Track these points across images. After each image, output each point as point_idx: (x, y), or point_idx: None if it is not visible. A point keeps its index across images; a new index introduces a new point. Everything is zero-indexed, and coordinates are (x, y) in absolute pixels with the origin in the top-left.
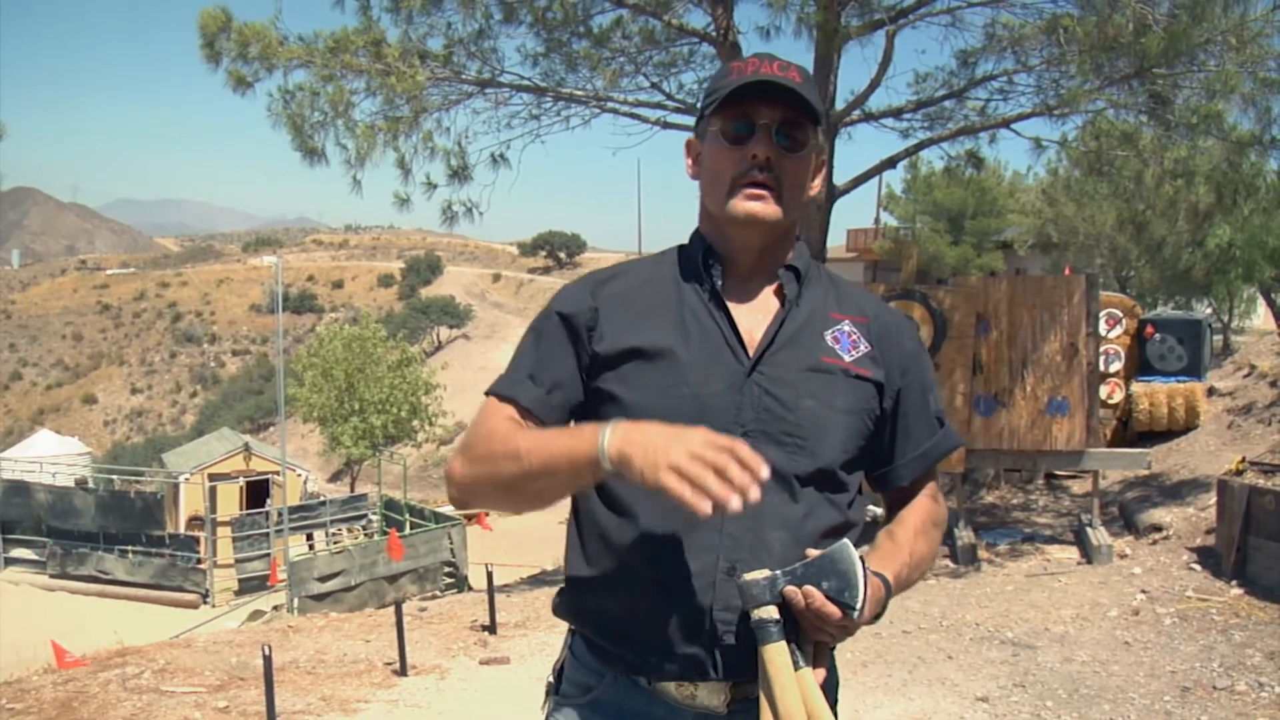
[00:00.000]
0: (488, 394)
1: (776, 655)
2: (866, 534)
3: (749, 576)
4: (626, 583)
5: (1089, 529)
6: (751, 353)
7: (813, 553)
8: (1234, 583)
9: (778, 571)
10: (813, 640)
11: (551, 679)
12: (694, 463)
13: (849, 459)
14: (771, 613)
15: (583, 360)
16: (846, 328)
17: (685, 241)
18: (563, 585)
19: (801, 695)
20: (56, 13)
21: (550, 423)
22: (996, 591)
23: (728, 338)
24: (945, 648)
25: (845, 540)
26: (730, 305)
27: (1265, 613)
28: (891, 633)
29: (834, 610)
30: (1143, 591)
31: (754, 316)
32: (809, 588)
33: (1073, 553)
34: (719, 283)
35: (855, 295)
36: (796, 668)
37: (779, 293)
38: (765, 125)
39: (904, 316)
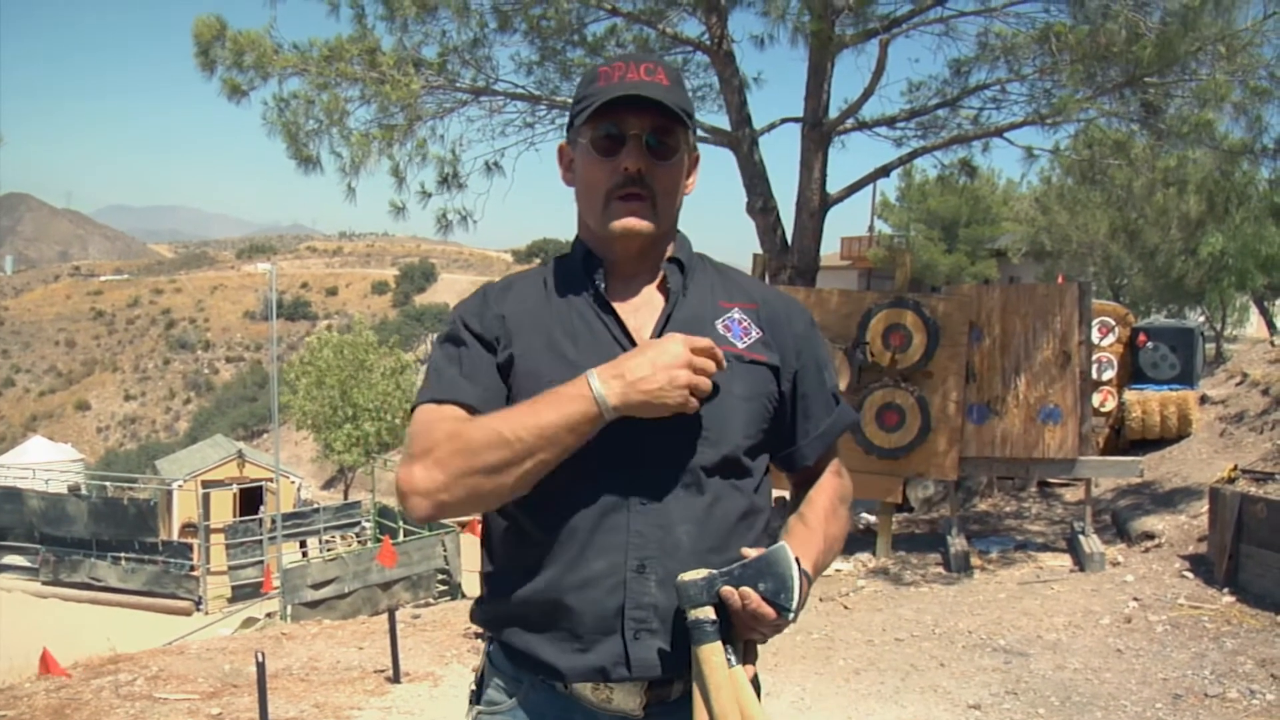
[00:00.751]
0: (420, 403)
1: (712, 655)
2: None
3: (686, 577)
4: (537, 586)
5: (1081, 537)
6: None
7: (749, 553)
8: (1226, 590)
9: (715, 572)
10: (743, 639)
11: (473, 687)
12: (689, 379)
13: (752, 444)
14: (708, 613)
15: (499, 363)
16: (737, 315)
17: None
18: (484, 594)
19: (734, 693)
20: (50, 18)
21: None
22: (989, 599)
23: (616, 336)
24: (938, 655)
25: (783, 543)
26: (616, 305)
27: (1257, 620)
28: (884, 640)
29: (769, 611)
30: (1135, 599)
31: (640, 314)
32: (746, 589)
33: (1065, 560)
34: (602, 285)
35: (743, 282)
36: (729, 666)
37: (663, 287)
38: (636, 136)
39: (794, 300)
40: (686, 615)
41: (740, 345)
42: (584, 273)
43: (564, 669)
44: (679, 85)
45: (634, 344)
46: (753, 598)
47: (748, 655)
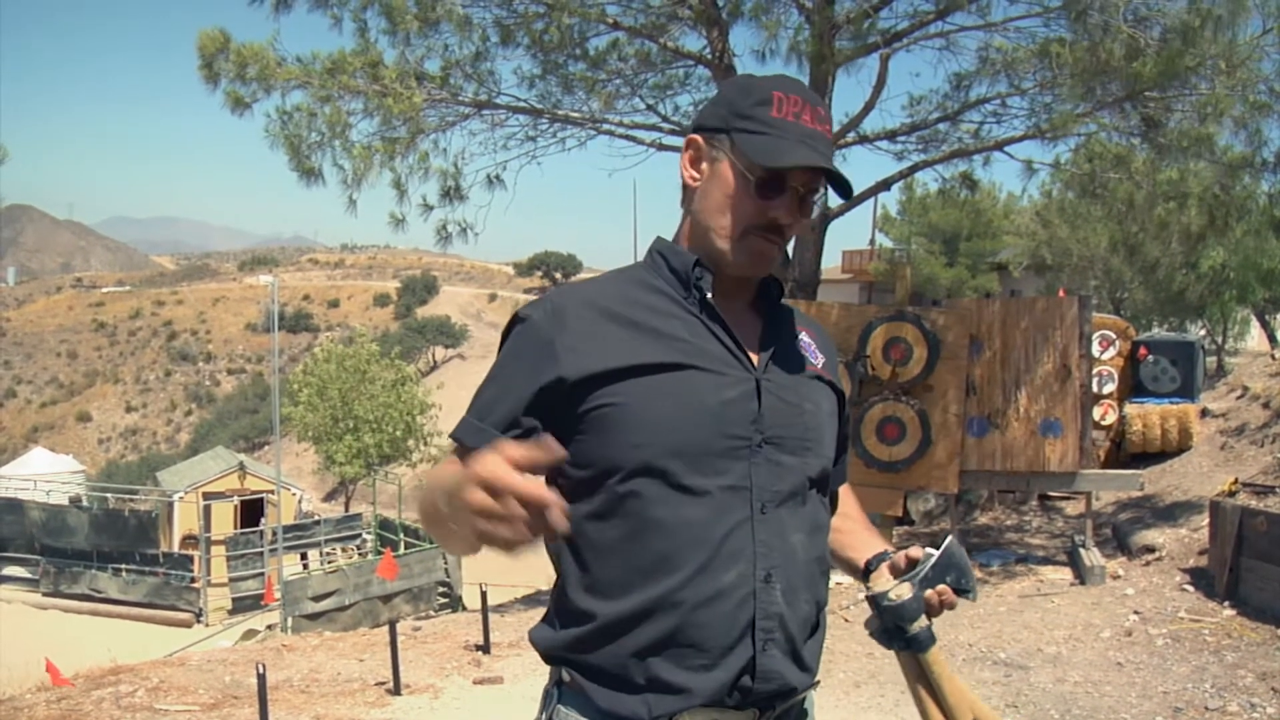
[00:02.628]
0: (457, 440)
1: (940, 655)
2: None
3: (897, 595)
4: (656, 599)
5: (1082, 550)
6: (756, 361)
7: (917, 553)
8: (1226, 603)
9: (913, 582)
10: None
11: None
12: (485, 519)
13: (832, 461)
14: (924, 621)
15: (550, 384)
16: (805, 338)
17: (650, 252)
18: (549, 623)
19: (960, 690)
20: (53, 29)
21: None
22: (989, 612)
23: (730, 347)
24: None
25: (953, 537)
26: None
27: (1257, 633)
28: (885, 653)
29: (956, 600)
30: (1135, 612)
31: (741, 328)
32: (942, 586)
33: (1066, 574)
34: (709, 294)
35: (797, 312)
36: None
37: (754, 304)
38: (794, 189)
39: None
40: (906, 630)
41: (819, 365)
42: (692, 281)
43: (695, 689)
44: (831, 131)
45: (745, 355)
46: (948, 593)
47: None
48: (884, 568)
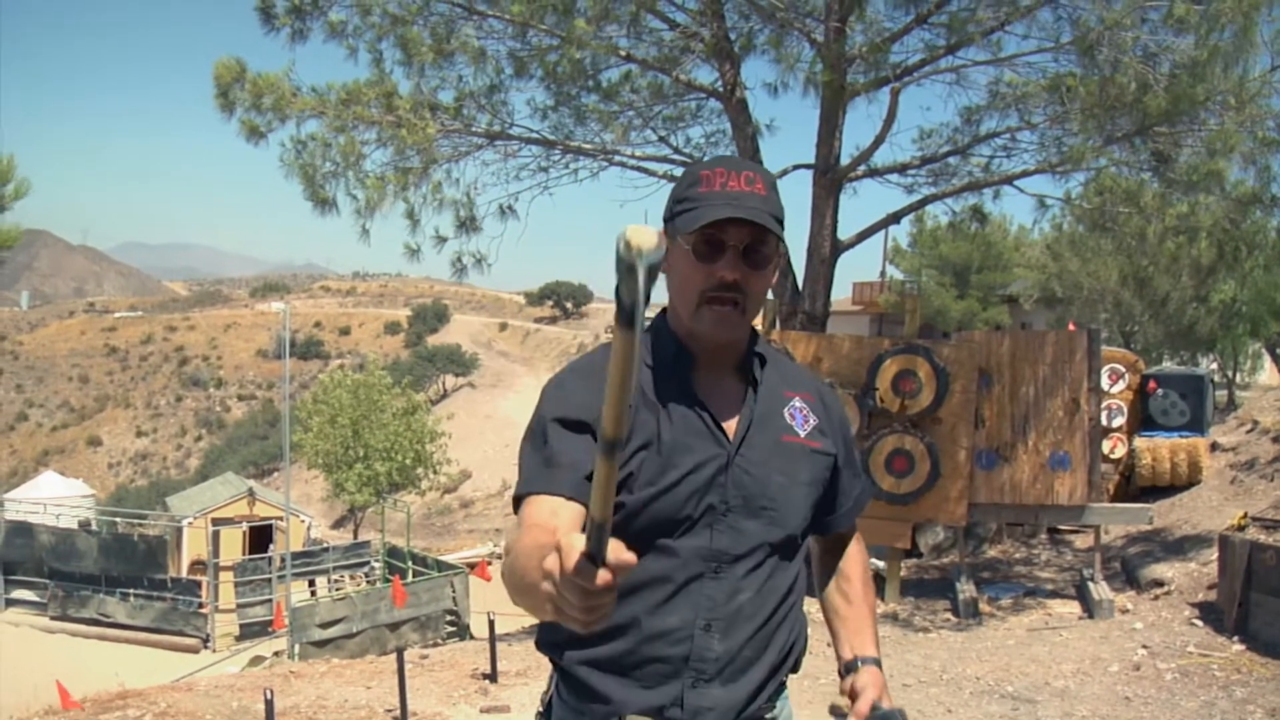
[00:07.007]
0: (522, 496)
1: None
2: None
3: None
4: (618, 630)
5: (1091, 584)
6: (731, 437)
7: (865, 707)
8: (1235, 638)
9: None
10: None
11: (540, 709)
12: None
13: (806, 525)
14: None
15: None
16: (798, 404)
17: (653, 323)
18: (550, 623)
19: None
20: (69, 54)
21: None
22: (997, 645)
23: (709, 426)
24: (945, 701)
25: (902, 709)
26: (704, 393)
27: (1267, 669)
28: (892, 686)
29: None
30: (1144, 647)
31: (723, 401)
32: None
33: (1074, 607)
34: (691, 374)
35: (796, 372)
36: None
37: (740, 375)
38: (734, 247)
39: (831, 387)
40: None
41: (802, 434)
42: (674, 363)
43: (624, 701)
44: (774, 191)
45: (722, 431)
46: None
47: None
48: (849, 682)
